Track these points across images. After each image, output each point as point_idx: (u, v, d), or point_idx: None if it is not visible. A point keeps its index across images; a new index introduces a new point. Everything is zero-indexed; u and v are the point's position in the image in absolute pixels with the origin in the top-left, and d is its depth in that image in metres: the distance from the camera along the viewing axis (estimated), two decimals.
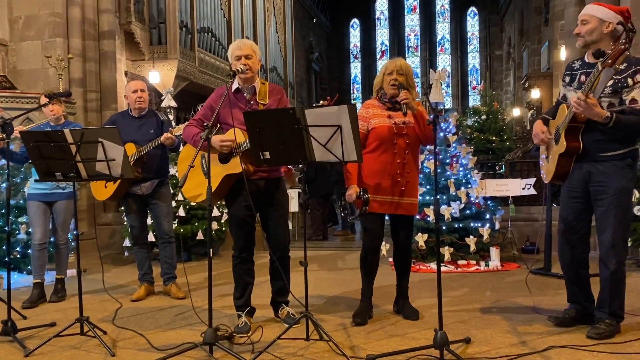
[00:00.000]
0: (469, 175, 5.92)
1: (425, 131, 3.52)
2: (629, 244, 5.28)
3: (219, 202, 5.55)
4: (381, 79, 3.65)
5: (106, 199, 4.49)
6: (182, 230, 6.27)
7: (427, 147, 5.99)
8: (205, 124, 3.15)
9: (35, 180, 4.07)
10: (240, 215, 3.50)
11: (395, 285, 3.83)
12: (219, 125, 3.43)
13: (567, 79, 3.33)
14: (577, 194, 3.26)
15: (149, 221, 5.01)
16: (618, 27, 3.05)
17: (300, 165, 3.20)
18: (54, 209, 4.51)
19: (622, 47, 2.79)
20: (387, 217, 3.76)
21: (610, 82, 3.02)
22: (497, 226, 5.84)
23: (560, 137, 3.19)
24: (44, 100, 4.40)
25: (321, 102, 3.44)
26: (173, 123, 4.96)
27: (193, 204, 6.23)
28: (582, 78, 3.18)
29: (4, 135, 3.56)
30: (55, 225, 4.55)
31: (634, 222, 5.26)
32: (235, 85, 3.49)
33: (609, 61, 2.83)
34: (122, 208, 6.76)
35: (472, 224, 5.69)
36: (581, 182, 3.22)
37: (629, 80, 3.01)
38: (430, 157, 5.91)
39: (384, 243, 5.39)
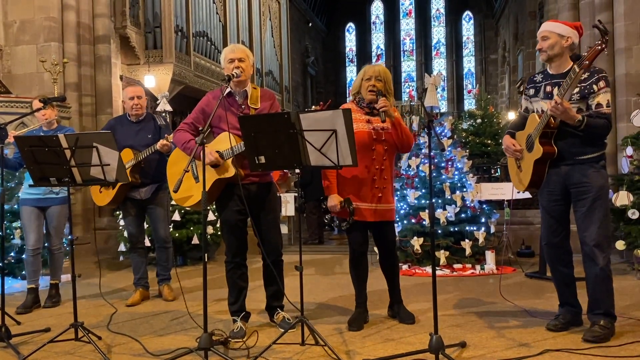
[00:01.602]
0: (464, 179, 5.93)
1: (401, 138, 3.51)
2: (624, 247, 5.30)
3: (212, 206, 5.54)
4: (359, 83, 3.60)
5: (106, 204, 4.52)
6: (177, 234, 6.26)
7: (423, 150, 6.03)
8: (200, 129, 3.14)
9: (30, 185, 4.06)
10: (232, 220, 3.50)
11: (388, 291, 3.83)
12: (210, 129, 3.42)
13: (532, 91, 3.47)
14: (557, 197, 3.37)
15: (145, 226, 5.01)
16: (576, 40, 3.28)
17: (297, 170, 3.20)
18: (47, 214, 4.49)
19: (599, 47, 2.94)
20: None
21: (577, 89, 3.20)
22: (492, 230, 5.85)
23: (534, 144, 3.30)
24: (36, 104, 4.39)
25: (313, 107, 3.45)
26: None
27: (188, 208, 6.23)
28: (548, 89, 3.34)
29: None
30: (49, 231, 4.53)
31: (628, 225, 5.28)
32: (227, 89, 3.48)
33: (586, 62, 2.98)
34: (117, 212, 6.79)
35: (467, 228, 5.70)
36: (560, 185, 3.32)
37: (594, 87, 3.20)
38: (426, 161, 5.92)
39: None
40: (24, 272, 5.05)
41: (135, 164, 4.31)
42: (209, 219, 6.51)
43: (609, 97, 3.23)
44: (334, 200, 3.51)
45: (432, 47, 27.49)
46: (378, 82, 3.50)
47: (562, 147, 3.25)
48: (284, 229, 7.19)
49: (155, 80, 9.99)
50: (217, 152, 3.37)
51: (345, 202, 3.47)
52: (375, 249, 3.84)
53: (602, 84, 3.19)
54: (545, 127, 3.21)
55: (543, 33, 3.32)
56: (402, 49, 27.73)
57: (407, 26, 27.84)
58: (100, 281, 4.70)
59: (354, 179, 3.53)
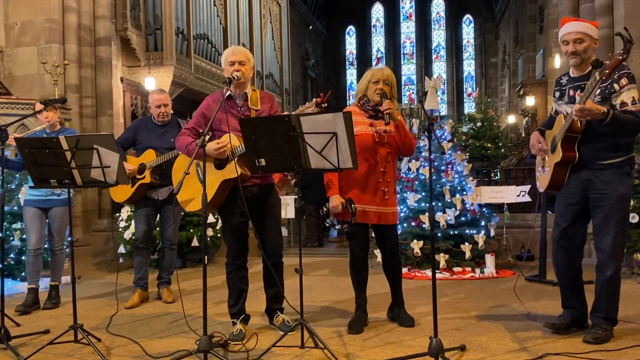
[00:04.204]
0: (464, 182, 5.94)
1: (404, 142, 3.52)
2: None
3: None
4: (365, 86, 3.60)
5: (123, 201, 4.65)
6: None
7: (423, 153, 6.03)
8: (201, 132, 3.14)
9: (30, 187, 4.06)
10: (234, 222, 3.50)
11: (390, 293, 3.83)
12: (212, 132, 3.43)
13: (557, 94, 3.42)
14: (574, 201, 3.30)
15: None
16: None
17: (297, 173, 3.20)
18: (49, 215, 4.51)
19: (620, 57, 2.85)
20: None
21: (598, 90, 3.10)
22: (492, 233, 5.84)
23: (556, 146, 3.25)
24: (39, 106, 4.40)
25: (314, 100, 3.43)
26: None
27: (190, 211, 6.23)
28: (571, 92, 3.28)
29: None
30: (51, 232, 4.55)
31: (628, 229, 5.28)
32: (227, 92, 3.48)
33: (607, 71, 2.89)
34: (117, 214, 6.79)
35: (467, 231, 5.69)
36: (579, 189, 3.26)
37: (615, 86, 3.08)
38: (426, 164, 5.92)
39: (378, 250, 5.40)
40: (23, 274, 5.05)
41: (156, 166, 4.44)
42: (208, 221, 6.51)
43: (634, 94, 3.08)
44: (335, 201, 3.50)
45: (433, 50, 27.52)
46: (386, 85, 3.53)
47: (584, 152, 3.17)
48: (284, 232, 7.19)
49: (156, 82, 9.99)
50: None
51: (347, 203, 3.46)
52: (376, 252, 3.83)
53: (624, 81, 3.06)
54: (568, 130, 3.14)
55: (578, 34, 3.17)
56: (402, 52, 27.76)
57: (408, 29, 27.88)
58: (99, 283, 4.70)
59: (357, 181, 3.53)
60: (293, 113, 3.17)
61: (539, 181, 3.56)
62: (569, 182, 3.29)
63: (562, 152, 3.19)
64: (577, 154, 3.18)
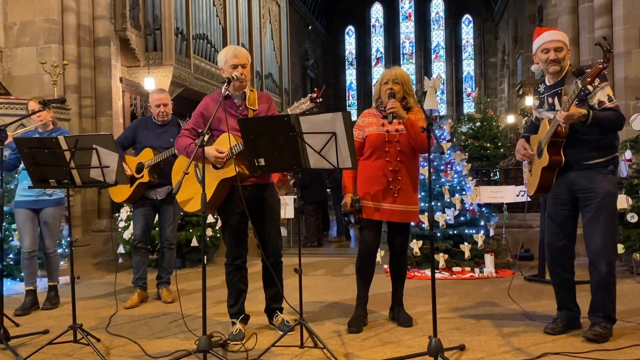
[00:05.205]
0: (463, 182, 5.94)
1: (415, 139, 3.53)
2: (623, 250, 5.30)
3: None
4: (379, 88, 3.67)
5: (122, 200, 4.66)
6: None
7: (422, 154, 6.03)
8: (200, 132, 3.14)
9: (29, 187, 4.05)
10: (234, 222, 3.50)
11: (391, 292, 3.83)
12: (211, 132, 3.42)
13: (537, 102, 3.51)
14: (563, 201, 3.37)
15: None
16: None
17: (296, 172, 3.21)
18: (41, 216, 4.47)
19: (601, 66, 2.94)
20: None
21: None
22: (491, 233, 5.85)
23: (542, 151, 3.31)
24: (32, 105, 4.39)
25: (308, 95, 3.40)
26: None
27: (191, 212, 6.23)
28: (550, 100, 3.36)
29: None
30: (42, 233, 4.51)
31: (627, 229, 5.28)
32: (226, 92, 3.48)
33: (588, 79, 2.98)
34: (116, 214, 6.79)
35: (466, 231, 5.70)
36: (567, 189, 3.33)
37: (589, 87, 3.14)
38: (425, 164, 5.92)
39: (379, 249, 5.40)
40: (22, 274, 5.04)
41: (154, 164, 4.43)
42: (208, 221, 6.51)
43: (608, 91, 3.19)
44: (346, 199, 3.61)
45: (432, 51, 27.54)
46: (395, 84, 3.57)
47: (569, 154, 3.25)
48: (283, 232, 7.19)
49: (155, 82, 10.00)
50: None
51: (353, 200, 3.55)
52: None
53: (596, 81, 3.10)
54: (553, 135, 3.21)
55: (558, 44, 3.29)
56: (401, 52, 27.78)
57: (407, 29, 27.90)
58: (98, 283, 4.70)
59: (370, 179, 3.58)
60: (289, 110, 3.17)
61: (527, 185, 3.62)
62: (557, 183, 3.36)
63: (549, 156, 3.26)
64: (563, 157, 3.26)
